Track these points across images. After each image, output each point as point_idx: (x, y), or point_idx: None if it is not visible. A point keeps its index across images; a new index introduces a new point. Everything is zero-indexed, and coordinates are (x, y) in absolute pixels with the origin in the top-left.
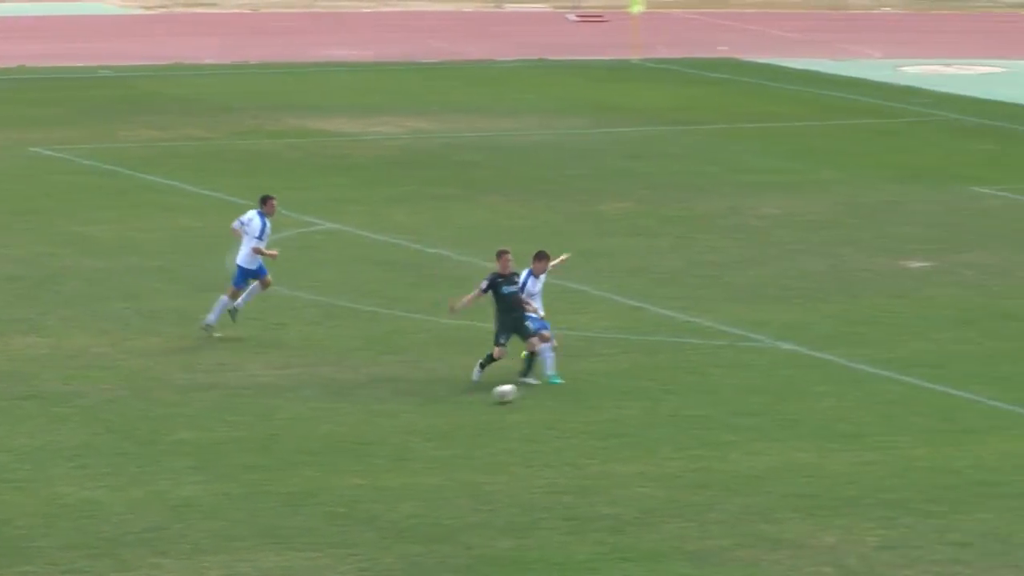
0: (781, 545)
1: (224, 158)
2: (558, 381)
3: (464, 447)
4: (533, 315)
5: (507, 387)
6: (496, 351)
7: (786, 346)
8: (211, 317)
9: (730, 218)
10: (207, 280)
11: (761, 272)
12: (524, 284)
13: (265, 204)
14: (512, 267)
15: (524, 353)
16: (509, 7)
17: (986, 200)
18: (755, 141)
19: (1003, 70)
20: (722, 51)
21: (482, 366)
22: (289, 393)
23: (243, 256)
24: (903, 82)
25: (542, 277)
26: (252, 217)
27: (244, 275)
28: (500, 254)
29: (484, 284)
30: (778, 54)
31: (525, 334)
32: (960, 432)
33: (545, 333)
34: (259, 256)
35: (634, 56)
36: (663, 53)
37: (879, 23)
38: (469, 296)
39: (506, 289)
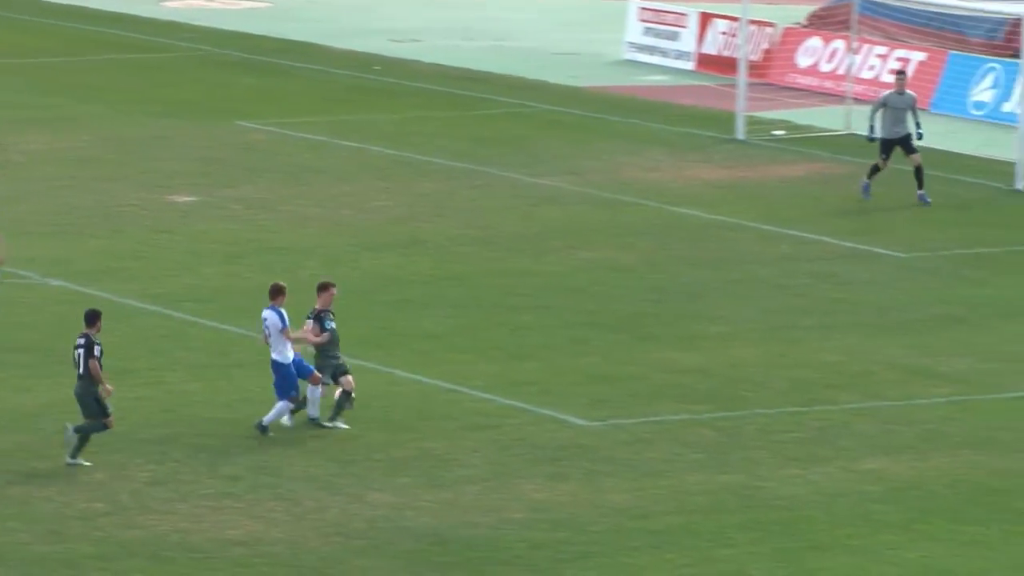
0: (52, 482)
1: None
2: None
3: None
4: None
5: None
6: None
7: (55, 282)
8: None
9: None
10: None
11: (27, 208)
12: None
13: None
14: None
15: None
16: None
17: (251, 134)
18: (16, 76)
19: (267, 5)
20: None
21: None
22: None
23: None
24: (167, 17)
25: None
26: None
27: None
28: (322, 287)
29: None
30: None
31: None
32: (231, 366)
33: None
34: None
35: None
36: None
37: None
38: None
39: (328, 324)
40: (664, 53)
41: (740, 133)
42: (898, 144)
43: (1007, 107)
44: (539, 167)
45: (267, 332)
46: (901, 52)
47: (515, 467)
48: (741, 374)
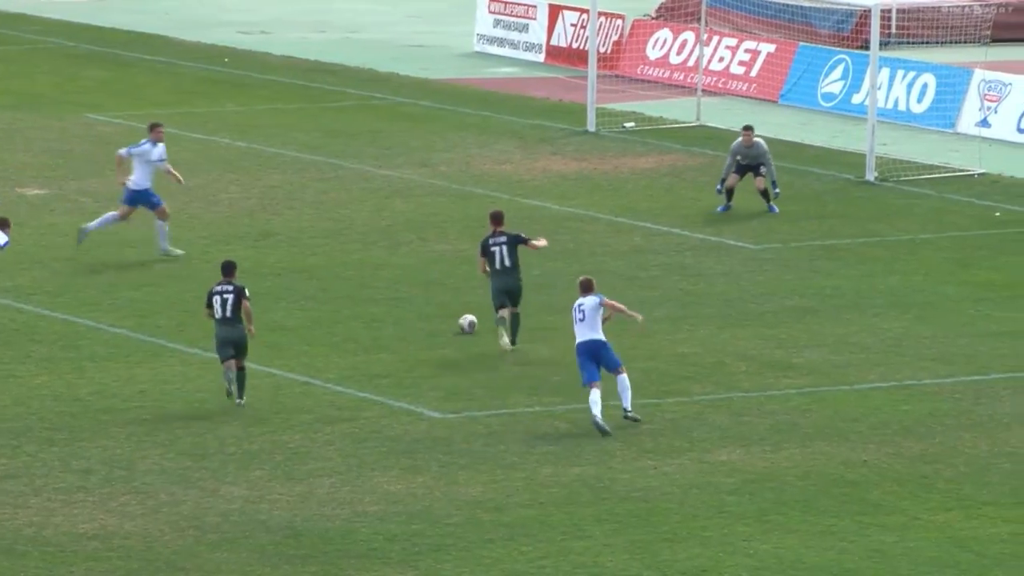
0: None
1: None
2: None
3: None
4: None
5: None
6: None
7: None
8: (92, 224)
9: None
10: None
11: None
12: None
13: (152, 131)
14: None
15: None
16: None
17: (100, 127)
18: None
19: None
20: None
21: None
22: None
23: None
24: (15, 9)
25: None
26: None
27: (132, 197)
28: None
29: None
30: None
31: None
32: (82, 359)
33: None
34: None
35: None
36: None
37: None
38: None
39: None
40: (514, 45)
41: (591, 125)
42: (751, 170)
43: (856, 98)
44: (391, 159)
45: (582, 315)
46: (750, 44)
47: (370, 460)
48: None
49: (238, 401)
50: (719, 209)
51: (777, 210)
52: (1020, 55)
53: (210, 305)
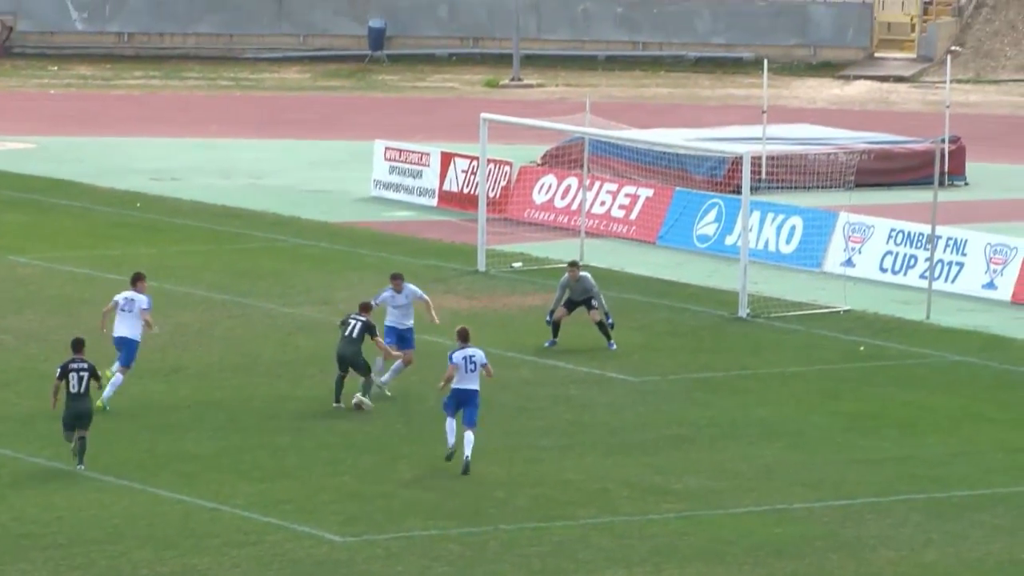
0: None
1: None
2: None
3: None
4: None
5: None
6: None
7: None
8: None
9: None
10: None
11: None
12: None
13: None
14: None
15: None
16: None
17: (21, 269)
18: None
19: (32, 146)
20: None
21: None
22: None
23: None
24: None
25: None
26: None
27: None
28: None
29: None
30: None
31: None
32: (2, 487)
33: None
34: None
35: None
36: None
37: None
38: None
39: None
40: (409, 190)
41: (481, 265)
42: (581, 304)
43: (729, 240)
44: (293, 298)
45: (473, 367)
46: (630, 189)
47: None
48: (485, 492)
49: (79, 467)
50: (546, 344)
51: (615, 346)
52: (882, 199)
53: (63, 378)
